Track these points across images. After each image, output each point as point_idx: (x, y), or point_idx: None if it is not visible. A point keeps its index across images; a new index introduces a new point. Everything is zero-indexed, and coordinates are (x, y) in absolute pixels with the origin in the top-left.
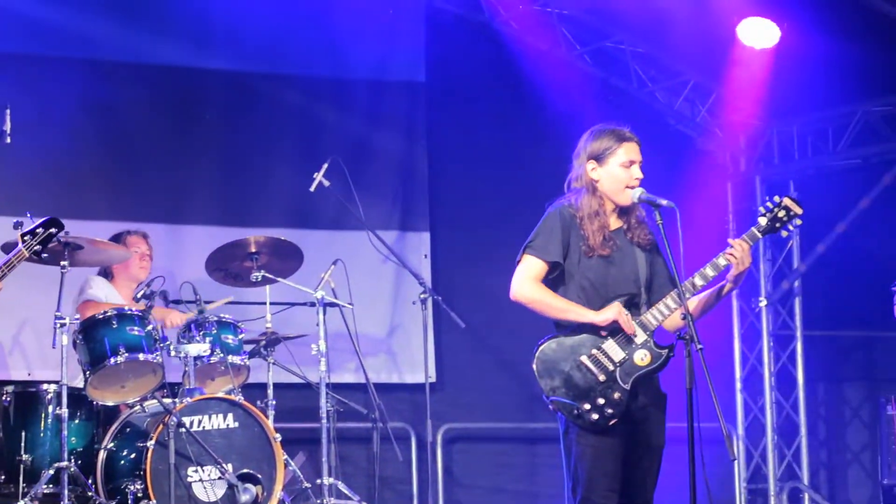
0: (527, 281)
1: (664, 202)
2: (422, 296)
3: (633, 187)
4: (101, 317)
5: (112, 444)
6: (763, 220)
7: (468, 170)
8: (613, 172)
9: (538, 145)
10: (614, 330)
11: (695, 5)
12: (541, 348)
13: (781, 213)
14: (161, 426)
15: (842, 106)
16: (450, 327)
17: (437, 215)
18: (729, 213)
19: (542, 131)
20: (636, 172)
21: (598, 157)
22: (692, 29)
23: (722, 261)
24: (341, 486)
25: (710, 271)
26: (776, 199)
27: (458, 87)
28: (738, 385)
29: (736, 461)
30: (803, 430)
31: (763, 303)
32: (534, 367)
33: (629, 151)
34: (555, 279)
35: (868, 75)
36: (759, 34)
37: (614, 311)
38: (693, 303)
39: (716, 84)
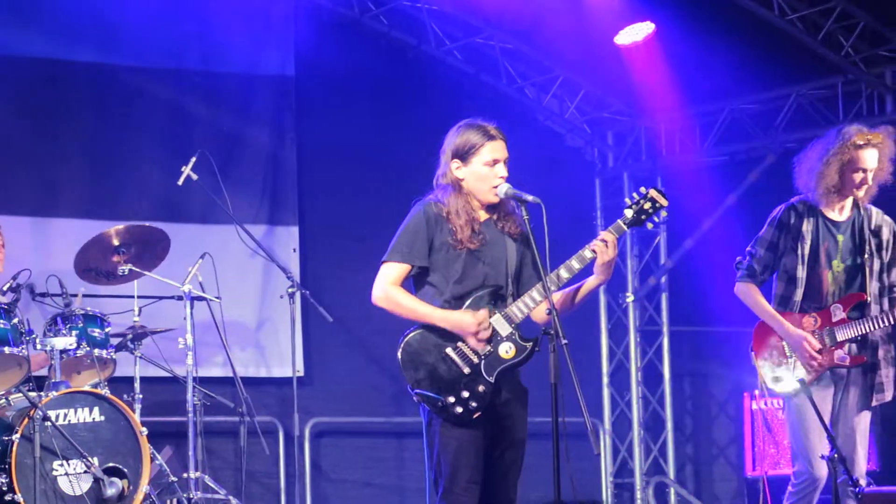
0: (384, 286)
1: (530, 198)
2: (290, 290)
3: (497, 185)
4: None
5: None
6: (629, 212)
7: (338, 164)
8: (477, 171)
9: (408, 140)
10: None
11: (564, 2)
12: (406, 339)
13: (647, 205)
14: (26, 420)
15: (709, 103)
16: (318, 321)
17: (307, 210)
18: (597, 208)
19: (412, 127)
20: (500, 171)
21: (462, 156)
22: (562, 25)
23: (588, 253)
24: (208, 480)
25: (576, 264)
26: (642, 190)
27: (329, 81)
28: (605, 380)
29: (602, 456)
30: (669, 425)
31: (630, 298)
32: (398, 357)
33: (493, 150)
34: (423, 275)
35: (735, 73)
36: (628, 31)
37: (464, 319)
38: (559, 297)
39: (584, 81)
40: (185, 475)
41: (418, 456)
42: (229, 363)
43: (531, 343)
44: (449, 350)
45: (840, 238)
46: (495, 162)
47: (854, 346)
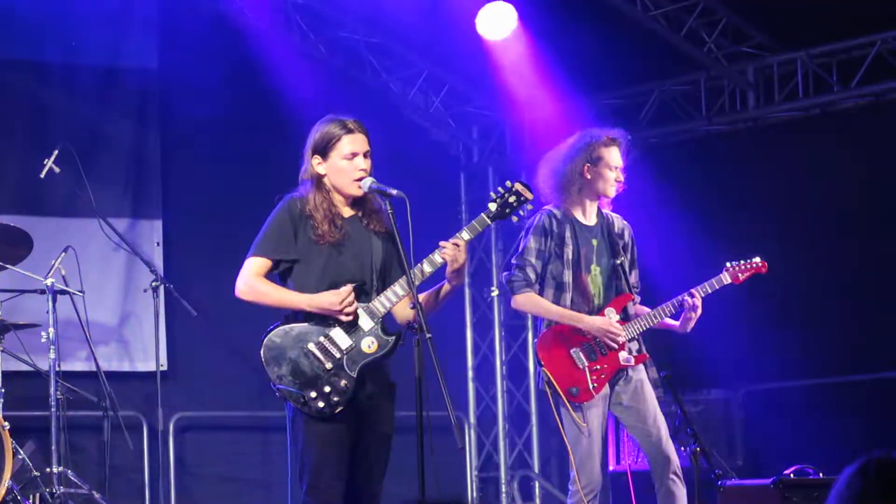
0: (247, 279)
1: (394, 192)
2: (153, 284)
3: (360, 179)
4: None
5: None
6: (493, 206)
7: (203, 158)
8: (337, 165)
9: (274, 135)
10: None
11: None
12: (268, 336)
13: (512, 199)
14: None
15: (574, 98)
16: (182, 315)
17: (171, 203)
18: (462, 203)
19: (278, 121)
20: (360, 163)
21: (322, 151)
22: (426, 19)
23: (438, 258)
24: (71, 475)
25: (438, 258)
26: (507, 184)
27: (193, 74)
28: (470, 374)
29: (467, 450)
30: (534, 419)
31: (495, 293)
32: (261, 354)
33: (352, 143)
34: (287, 270)
35: (600, 68)
36: (493, 25)
37: (326, 298)
38: (422, 296)
39: (449, 75)
40: (48, 470)
41: (283, 451)
42: (93, 357)
43: (394, 337)
44: (311, 345)
45: (595, 242)
46: (354, 155)
47: (633, 346)
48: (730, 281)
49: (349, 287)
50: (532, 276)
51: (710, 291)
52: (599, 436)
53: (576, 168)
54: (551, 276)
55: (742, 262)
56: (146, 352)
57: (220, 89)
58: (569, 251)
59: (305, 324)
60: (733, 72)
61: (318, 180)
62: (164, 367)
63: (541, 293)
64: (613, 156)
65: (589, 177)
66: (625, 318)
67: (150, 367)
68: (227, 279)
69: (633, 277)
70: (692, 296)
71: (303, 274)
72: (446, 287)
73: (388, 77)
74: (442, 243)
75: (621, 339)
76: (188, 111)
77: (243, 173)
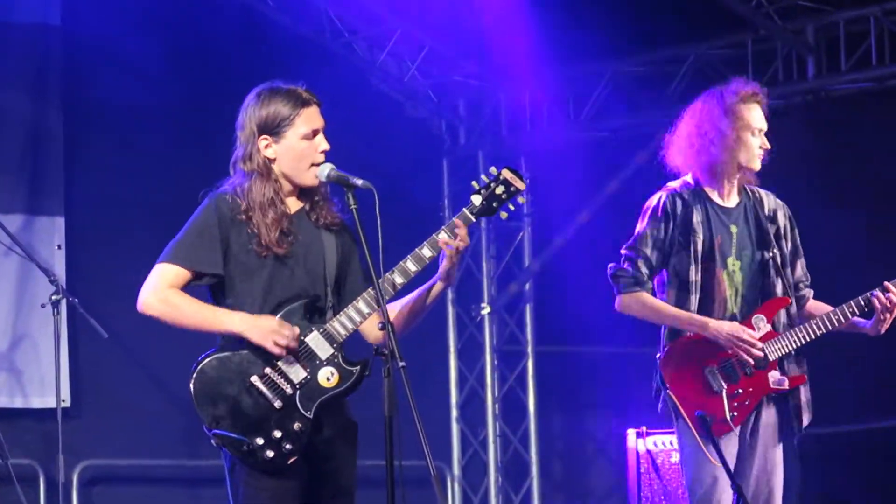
0: (159, 288)
1: (359, 182)
2: (54, 297)
3: (319, 163)
4: None
5: None
6: (477, 199)
7: (117, 139)
8: (294, 147)
9: (206, 110)
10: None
11: None
12: (200, 367)
13: (500, 190)
14: None
15: (586, 64)
16: (90, 337)
17: (76, 196)
18: (444, 196)
19: (212, 92)
20: (322, 143)
21: (273, 130)
22: None
23: (427, 251)
24: None
25: (412, 266)
26: (493, 171)
27: (105, 34)
28: (455, 413)
29: None
30: (535, 471)
31: (486, 310)
32: (191, 390)
33: (309, 118)
34: (219, 286)
35: (620, 26)
36: None
37: (269, 325)
38: (394, 309)
39: (428, 35)
40: None
41: None
42: None
43: (359, 367)
44: (255, 379)
45: (734, 229)
46: (315, 132)
47: (788, 363)
48: None
49: (296, 331)
50: (645, 271)
51: None
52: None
53: (708, 135)
54: (674, 272)
55: None
56: (44, 383)
57: (141, 54)
58: (698, 242)
59: (247, 350)
60: (788, 32)
61: (265, 168)
62: (67, 404)
63: (661, 295)
64: (756, 116)
65: (727, 145)
66: (787, 325)
67: (48, 402)
68: None
69: (799, 271)
70: (886, 291)
71: (241, 292)
72: (438, 287)
73: (351, 37)
74: (440, 232)
75: (757, 353)
76: (99, 80)
77: (167, 159)
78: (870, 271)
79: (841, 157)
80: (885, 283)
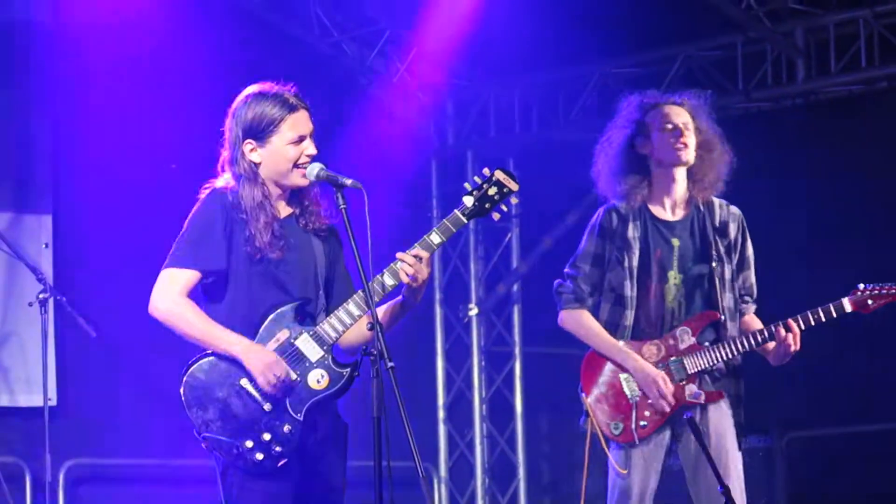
0: (172, 297)
1: (348, 181)
2: (41, 296)
3: (305, 165)
4: None
5: None
6: (469, 200)
7: (107, 136)
8: (280, 152)
9: (195, 109)
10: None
11: None
12: (190, 370)
13: (492, 191)
14: None
15: (576, 66)
16: (77, 336)
17: (64, 193)
18: (433, 196)
19: (203, 89)
20: (309, 148)
21: (258, 135)
22: None
23: (394, 275)
24: None
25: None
26: (486, 172)
27: (93, 32)
28: (442, 414)
29: None
30: (521, 472)
31: (473, 311)
32: (181, 393)
33: (297, 123)
34: (217, 285)
35: (610, 27)
36: None
37: (265, 359)
38: (382, 310)
39: (418, 36)
40: None
41: None
42: None
43: (349, 369)
44: (244, 381)
45: (676, 243)
46: (301, 138)
47: (709, 377)
48: (851, 309)
49: (292, 375)
50: (585, 288)
51: (821, 320)
52: (641, 491)
53: (627, 146)
54: (610, 287)
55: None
56: (30, 382)
57: (131, 46)
58: (633, 257)
59: None
60: (778, 34)
61: (251, 173)
62: (54, 402)
63: (596, 308)
64: (661, 116)
65: (645, 151)
66: (713, 339)
67: (35, 401)
68: (135, 291)
69: (740, 282)
70: (788, 328)
71: (234, 293)
72: (400, 308)
73: (341, 37)
74: (399, 255)
75: (664, 406)
76: (90, 73)
77: (159, 154)
78: (869, 271)
79: (831, 159)
80: (789, 320)
